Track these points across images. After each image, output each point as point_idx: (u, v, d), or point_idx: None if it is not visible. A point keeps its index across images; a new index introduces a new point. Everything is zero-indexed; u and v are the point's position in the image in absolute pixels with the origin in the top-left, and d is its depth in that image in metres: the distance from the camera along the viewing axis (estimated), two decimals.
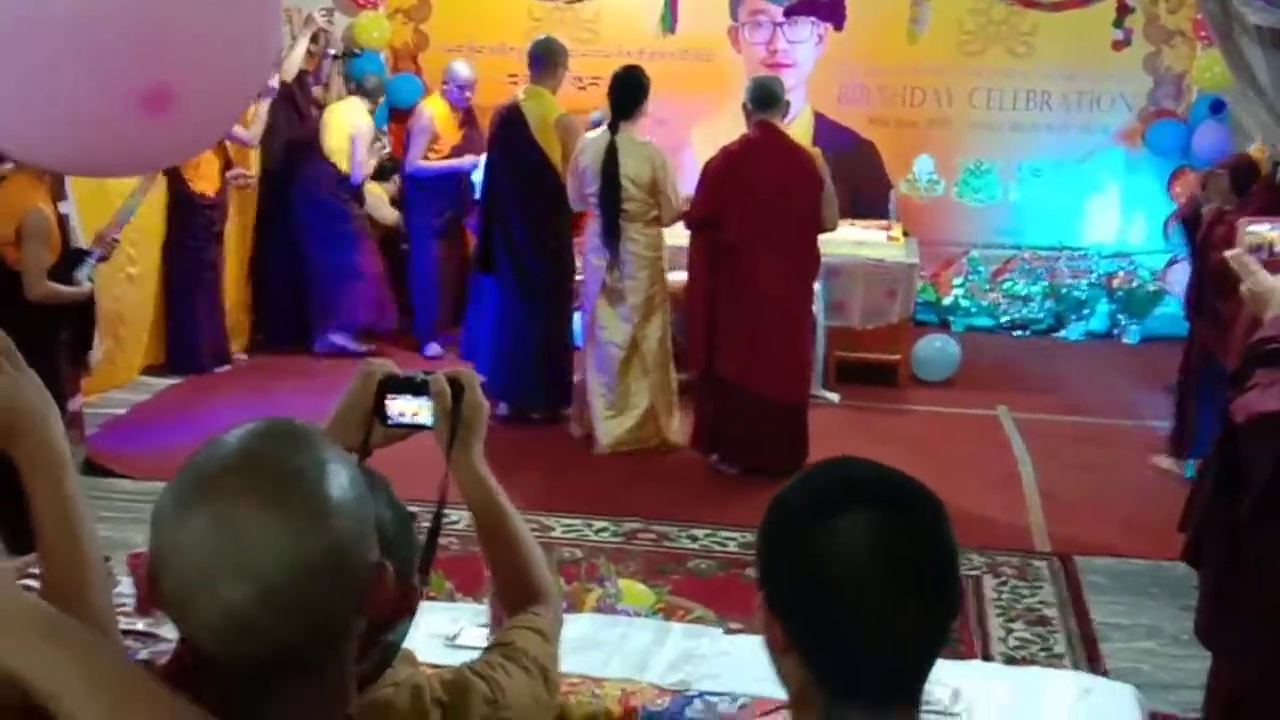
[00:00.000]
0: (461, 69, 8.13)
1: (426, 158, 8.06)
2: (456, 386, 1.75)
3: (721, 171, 5.97)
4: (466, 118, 8.21)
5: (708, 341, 6.06)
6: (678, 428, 6.40)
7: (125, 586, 2.86)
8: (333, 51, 8.74)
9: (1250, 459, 2.76)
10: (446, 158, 8.07)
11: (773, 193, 5.86)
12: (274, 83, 7.60)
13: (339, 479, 1.20)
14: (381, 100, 8.45)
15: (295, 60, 8.08)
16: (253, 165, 7.95)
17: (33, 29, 2.05)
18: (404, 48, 9.55)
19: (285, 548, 1.13)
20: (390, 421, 1.74)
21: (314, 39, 8.34)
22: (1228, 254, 3.05)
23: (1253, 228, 2.98)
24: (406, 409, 1.74)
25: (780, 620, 1.29)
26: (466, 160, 8.01)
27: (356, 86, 8.41)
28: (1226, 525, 2.86)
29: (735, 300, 5.95)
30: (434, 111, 8.13)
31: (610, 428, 6.34)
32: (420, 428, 1.75)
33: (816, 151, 6.24)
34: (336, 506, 1.17)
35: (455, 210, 8.12)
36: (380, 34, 9.38)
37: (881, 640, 1.26)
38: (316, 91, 8.49)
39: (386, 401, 1.74)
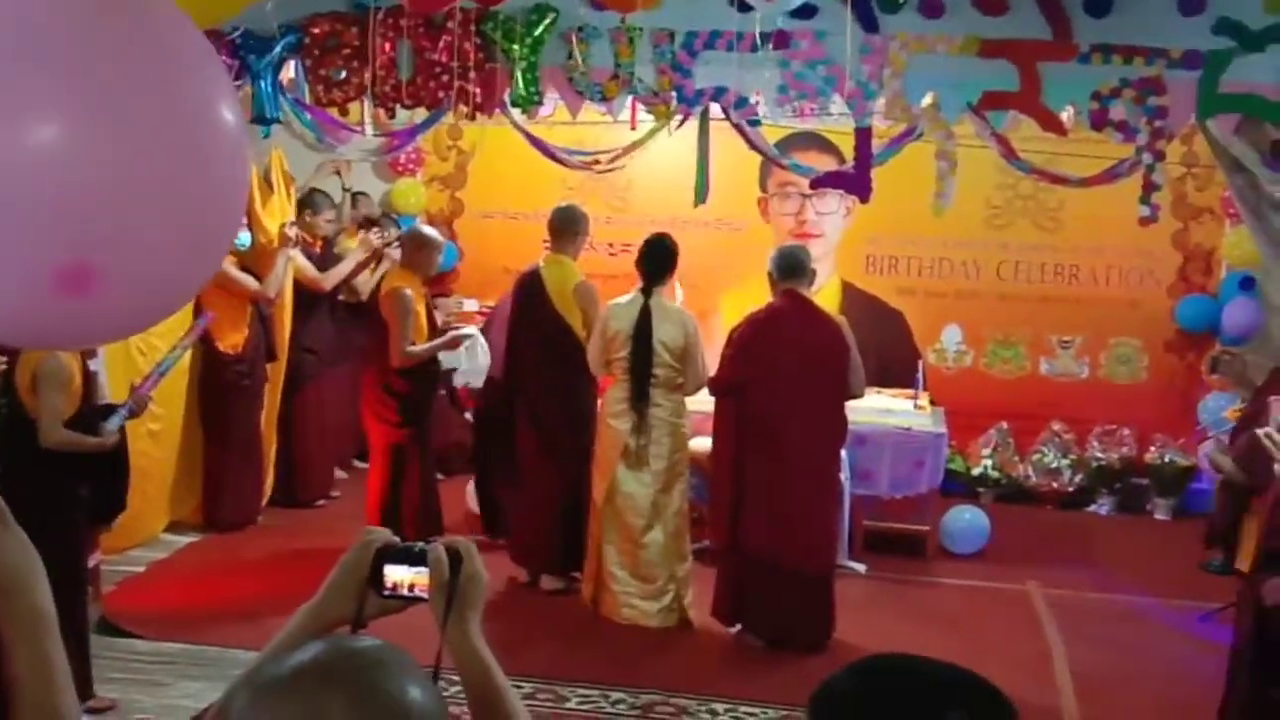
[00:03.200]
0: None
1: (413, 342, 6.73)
2: (455, 556, 1.71)
3: (747, 338, 5.99)
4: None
5: (732, 510, 5.98)
6: (689, 602, 6.24)
7: None
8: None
9: None
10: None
11: (799, 360, 5.87)
12: (294, 250, 7.71)
13: (415, 688, 1.23)
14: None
15: (340, 274, 8.14)
16: (286, 315, 8.01)
17: None
18: (440, 214, 9.75)
19: None
20: (386, 593, 1.70)
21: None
22: (1260, 431, 3.01)
23: None
24: (403, 580, 1.70)
25: None
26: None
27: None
28: (1269, 707, 2.77)
29: (760, 468, 5.90)
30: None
31: (643, 608, 6.22)
32: (417, 600, 1.71)
33: (842, 319, 6.27)
34: (417, 711, 1.21)
35: None
36: (417, 200, 9.62)
37: None
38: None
39: (384, 570, 1.71)
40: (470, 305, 9.20)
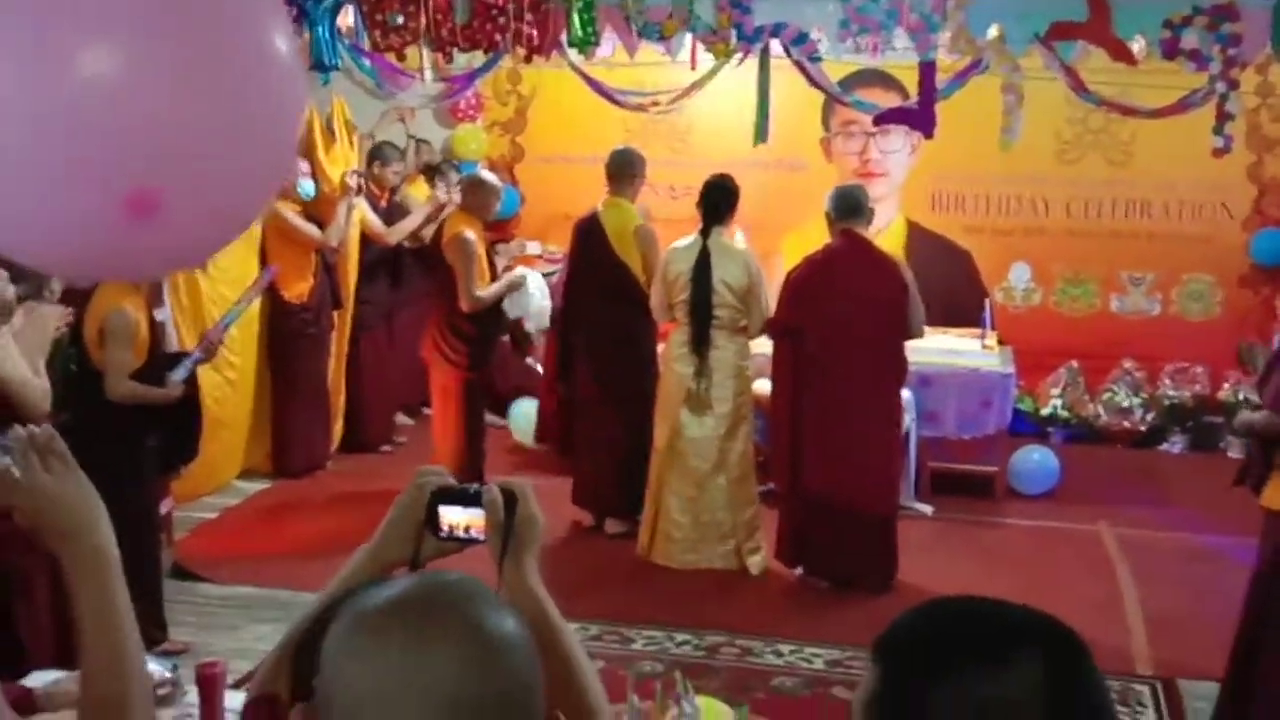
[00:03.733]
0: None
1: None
2: (510, 498, 1.70)
3: (804, 280, 5.93)
4: None
5: (793, 453, 5.95)
6: (760, 557, 6.19)
7: (192, 696, 2.83)
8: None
9: None
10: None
11: (856, 301, 5.80)
12: (358, 198, 7.71)
13: (510, 620, 1.23)
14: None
15: (405, 229, 8.13)
16: (351, 265, 8.05)
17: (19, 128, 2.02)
18: (501, 160, 9.73)
19: (472, 674, 1.16)
20: (442, 535, 1.69)
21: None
22: None
23: None
24: (459, 521, 1.70)
25: None
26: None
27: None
28: None
29: (820, 410, 5.86)
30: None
31: (707, 553, 6.22)
32: (473, 542, 1.70)
33: (901, 258, 6.18)
34: (514, 644, 1.21)
35: None
36: (478, 146, 9.59)
37: None
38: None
39: (440, 512, 1.70)
40: (533, 248, 9.19)
